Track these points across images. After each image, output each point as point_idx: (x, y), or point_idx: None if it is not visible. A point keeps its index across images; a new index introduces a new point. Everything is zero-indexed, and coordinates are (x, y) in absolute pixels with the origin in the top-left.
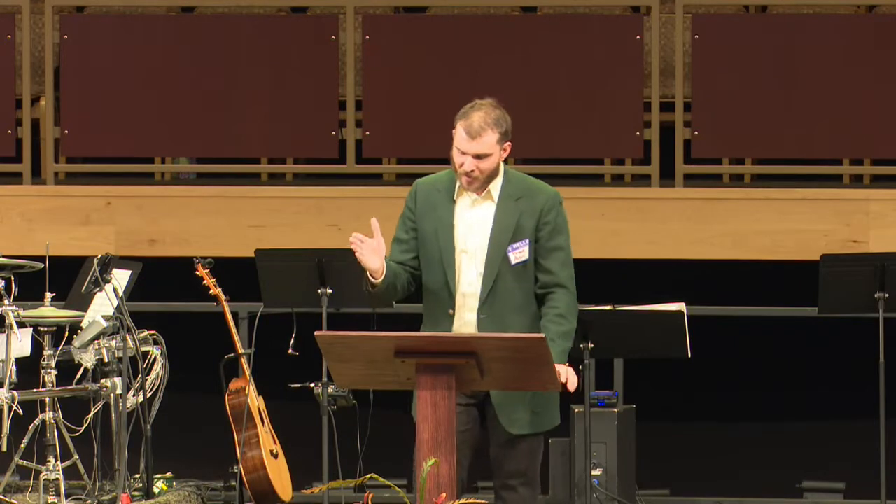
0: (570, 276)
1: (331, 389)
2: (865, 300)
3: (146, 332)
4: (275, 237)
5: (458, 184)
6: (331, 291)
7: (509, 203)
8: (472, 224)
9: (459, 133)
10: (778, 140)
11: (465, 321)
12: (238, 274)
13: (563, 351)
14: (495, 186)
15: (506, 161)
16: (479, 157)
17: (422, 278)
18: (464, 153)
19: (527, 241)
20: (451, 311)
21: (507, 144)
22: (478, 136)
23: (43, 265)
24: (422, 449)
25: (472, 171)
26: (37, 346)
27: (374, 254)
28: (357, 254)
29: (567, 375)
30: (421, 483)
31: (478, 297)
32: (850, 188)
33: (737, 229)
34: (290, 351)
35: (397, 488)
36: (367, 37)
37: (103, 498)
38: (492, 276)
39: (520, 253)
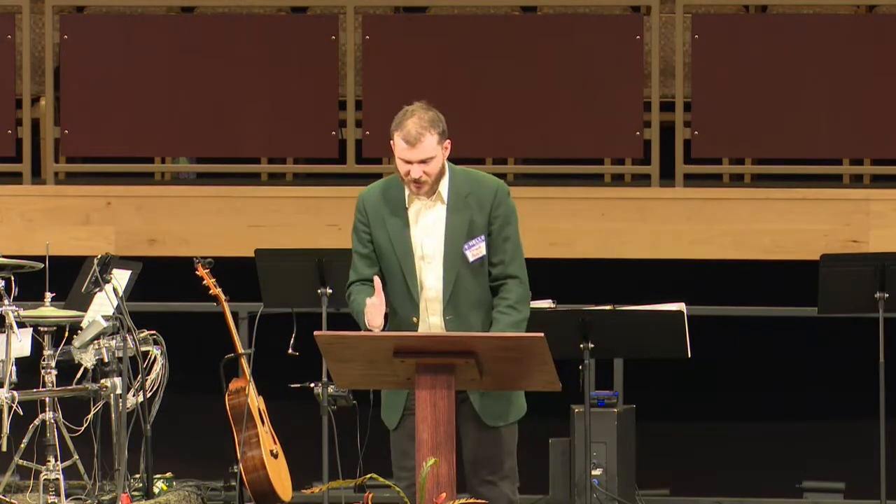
0: (521, 267)
1: (331, 389)
2: (865, 300)
3: (146, 332)
4: (275, 237)
5: (407, 191)
6: (331, 291)
7: (459, 201)
8: (427, 228)
9: (399, 144)
10: (778, 140)
11: (430, 324)
12: (238, 274)
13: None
14: (443, 187)
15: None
16: (423, 162)
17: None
18: (408, 162)
19: (482, 236)
20: (414, 319)
21: (447, 143)
22: (417, 142)
23: (43, 265)
24: (421, 449)
25: (420, 177)
26: (37, 346)
27: (378, 314)
28: (378, 331)
29: None
30: (421, 483)
31: (440, 299)
32: (850, 188)
33: (737, 229)
34: (290, 351)
35: (397, 488)
36: (367, 37)
37: (103, 498)
38: (452, 276)
39: (476, 249)
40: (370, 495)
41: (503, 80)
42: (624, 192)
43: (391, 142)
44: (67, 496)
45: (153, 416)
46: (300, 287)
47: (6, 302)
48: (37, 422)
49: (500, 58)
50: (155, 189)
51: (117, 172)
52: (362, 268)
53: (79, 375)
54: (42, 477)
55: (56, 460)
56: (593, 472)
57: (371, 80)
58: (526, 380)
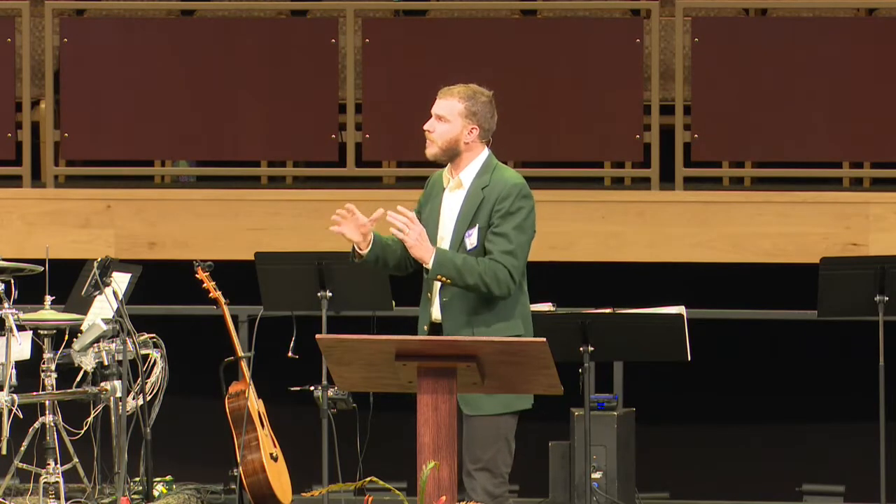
0: (512, 264)
1: (330, 392)
2: (865, 303)
3: (146, 336)
4: (274, 240)
5: (445, 174)
6: (330, 294)
7: (476, 191)
8: (447, 212)
9: None
10: (777, 143)
11: (436, 304)
12: (238, 277)
13: (455, 267)
14: (467, 175)
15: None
16: (438, 118)
17: None
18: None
19: (477, 226)
20: (429, 295)
21: (473, 127)
22: (442, 97)
23: (43, 268)
24: (423, 452)
25: (430, 130)
26: (37, 350)
27: (355, 230)
28: (337, 228)
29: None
30: (421, 486)
31: None
32: (850, 191)
33: (736, 232)
34: (289, 354)
35: (397, 491)
36: (367, 40)
37: (103, 501)
38: None
39: (472, 238)
40: (370, 498)
41: (503, 84)
42: (624, 195)
43: None
44: (67, 499)
45: (153, 419)
46: (300, 290)
47: (6, 305)
48: (37, 425)
49: (499, 61)
50: (155, 192)
51: (117, 176)
52: None
53: (78, 379)
54: (42, 480)
55: (56, 463)
56: (593, 476)
57: (371, 83)
58: (528, 384)
